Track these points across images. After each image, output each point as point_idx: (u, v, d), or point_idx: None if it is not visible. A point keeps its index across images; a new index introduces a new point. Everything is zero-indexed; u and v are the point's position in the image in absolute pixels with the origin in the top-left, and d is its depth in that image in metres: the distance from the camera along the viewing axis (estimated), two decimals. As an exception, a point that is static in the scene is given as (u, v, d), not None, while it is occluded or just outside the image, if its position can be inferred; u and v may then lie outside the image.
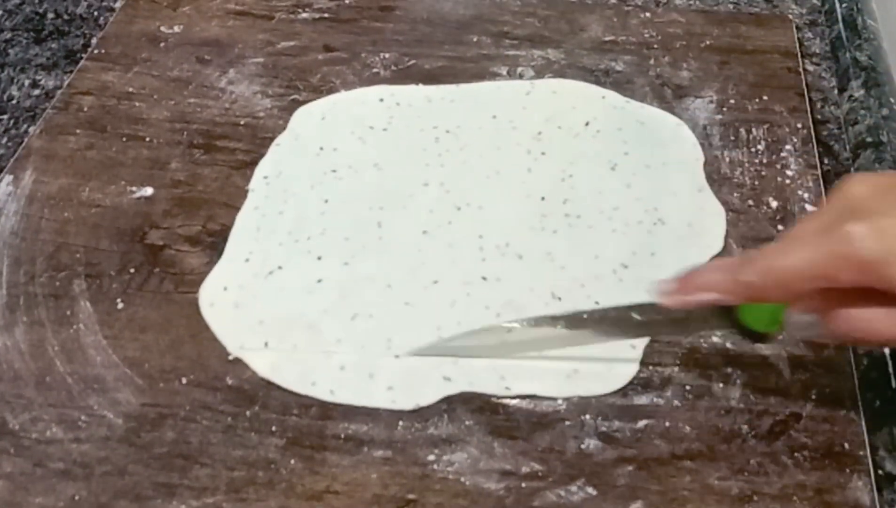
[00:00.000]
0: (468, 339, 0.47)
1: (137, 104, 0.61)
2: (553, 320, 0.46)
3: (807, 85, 0.61)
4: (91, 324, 0.49)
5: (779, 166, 0.56)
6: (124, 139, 0.58)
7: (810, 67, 0.64)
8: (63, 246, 0.52)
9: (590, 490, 0.42)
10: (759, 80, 0.61)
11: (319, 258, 0.51)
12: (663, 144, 0.57)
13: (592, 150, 0.57)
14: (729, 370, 0.46)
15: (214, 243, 0.52)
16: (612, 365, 0.46)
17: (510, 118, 0.59)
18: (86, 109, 0.60)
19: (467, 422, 0.44)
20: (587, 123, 0.58)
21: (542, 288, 0.49)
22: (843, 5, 0.67)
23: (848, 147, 0.58)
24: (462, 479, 0.42)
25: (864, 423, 0.44)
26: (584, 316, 0.45)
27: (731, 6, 0.69)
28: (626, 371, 0.46)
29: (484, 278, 0.50)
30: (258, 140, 0.58)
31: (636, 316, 0.44)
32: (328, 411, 0.45)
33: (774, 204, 0.54)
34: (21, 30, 0.68)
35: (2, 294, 0.50)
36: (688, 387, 0.45)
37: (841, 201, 0.37)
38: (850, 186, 0.37)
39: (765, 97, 0.60)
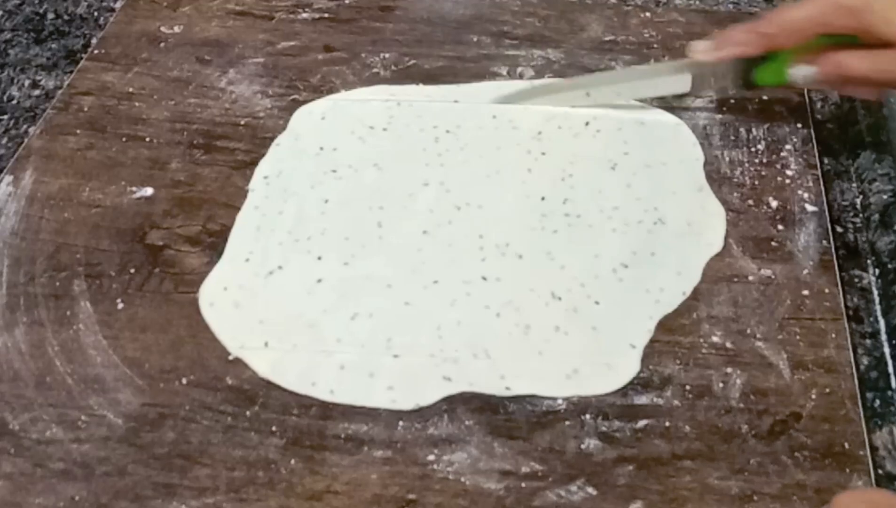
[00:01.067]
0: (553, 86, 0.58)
1: (137, 104, 0.61)
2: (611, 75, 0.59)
3: (807, 85, 0.61)
4: (91, 324, 0.49)
5: (779, 166, 0.56)
6: (124, 139, 0.58)
7: (810, 67, 0.64)
8: (63, 246, 0.52)
9: (590, 489, 0.42)
10: (759, 80, 0.61)
11: (319, 258, 0.51)
12: (663, 144, 0.57)
13: (592, 150, 0.57)
14: (729, 370, 0.46)
15: (214, 243, 0.52)
16: (612, 365, 0.46)
17: (510, 118, 0.59)
18: (86, 109, 0.60)
19: (467, 422, 0.44)
20: (587, 123, 0.58)
21: (542, 288, 0.49)
22: (843, 5, 0.67)
23: (848, 147, 0.58)
24: (462, 479, 0.42)
25: (864, 423, 0.44)
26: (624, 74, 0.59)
27: (731, 6, 0.69)
28: (626, 371, 0.46)
29: (484, 278, 0.50)
30: (258, 140, 0.58)
31: (670, 74, 0.56)
32: (328, 411, 0.45)
33: (774, 204, 0.54)
34: (21, 30, 0.68)
35: (2, 294, 0.50)
36: (688, 387, 0.45)
37: None
38: None
39: (765, 97, 0.60)
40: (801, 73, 0.52)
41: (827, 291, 0.49)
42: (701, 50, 0.54)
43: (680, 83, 0.57)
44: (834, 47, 0.51)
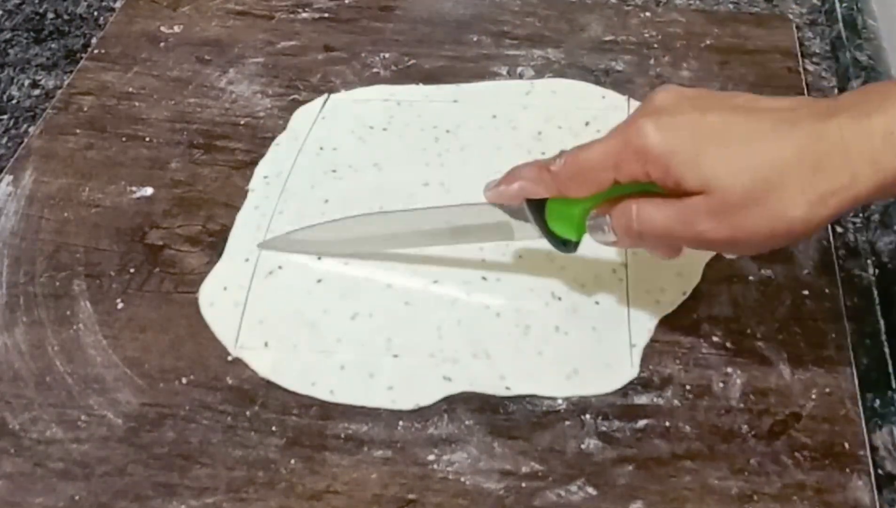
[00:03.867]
0: (317, 232, 0.50)
1: (137, 104, 0.61)
2: (403, 215, 0.49)
3: (807, 85, 0.61)
4: (91, 324, 0.49)
5: (779, 166, 0.56)
6: (124, 139, 0.58)
7: (810, 67, 0.64)
8: (63, 246, 0.52)
9: (590, 489, 0.42)
10: (760, 79, 0.61)
11: (319, 258, 0.51)
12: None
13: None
14: (729, 370, 0.46)
15: (214, 243, 0.52)
16: (612, 365, 0.46)
17: (510, 118, 0.59)
18: (86, 109, 0.60)
19: (467, 422, 0.44)
20: (587, 123, 0.58)
21: (542, 288, 0.49)
22: (843, 5, 0.67)
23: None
24: (462, 479, 0.42)
25: (864, 423, 0.44)
26: (424, 215, 0.48)
27: (731, 6, 0.69)
28: (626, 371, 0.46)
29: (484, 278, 0.50)
30: (258, 140, 0.58)
31: (468, 221, 0.47)
32: (328, 411, 0.45)
33: (774, 204, 0.53)
34: (21, 30, 0.68)
35: (2, 294, 0.50)
36: (688, 387, 0.45)
37: (644, 106, 0.41)
38: (657, 93, 0.41)
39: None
40: (596, 228, 0.43)
41: (827, 291, 0.49)
42: (490, 188, 0.45)
43: (499, 231, 0.47)
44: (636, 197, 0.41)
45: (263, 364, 0.47)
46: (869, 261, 0.52)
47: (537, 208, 0.45)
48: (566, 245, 0.46)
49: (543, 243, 0.52)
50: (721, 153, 0.37)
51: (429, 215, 0.48)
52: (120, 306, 0.49)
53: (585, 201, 0.43)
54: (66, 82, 0.63)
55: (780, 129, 0.37)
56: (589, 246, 0.51)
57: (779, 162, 0.37)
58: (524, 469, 0.43)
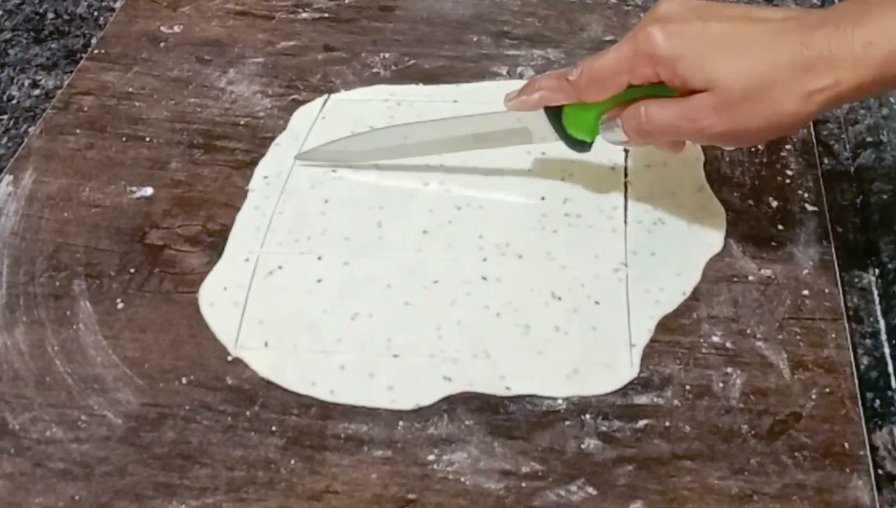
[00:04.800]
0: (357, 142, 0.55)
1: (137, 104, 0.61)
2: (434, 125, 0.54)
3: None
4: (91, 324, 0.49)
5: (779, 166, 0.56)
6: (124, 139, 0.58)
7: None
8: (63, 246, 0.52)
9: (590, 489, 0.42)
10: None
11: (319, 258, 0.51)
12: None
13: (592, 149, 0.57)
14: (729, 370, 0.46)
15: (214, 243, 0.52)
16: (612, 365, 0.46)
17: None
18: (86, 109, 0.60)
19: (467, 422, 0.44)
20: (587, 123, 0.58)
21: (542, 288, 0.49)
22: (843, 5, 0.67)
23: (848, 147, 0.58)
24: (462, 479, 0.42)
25: (864, 423, 0.44)
26: (449, 124, 0.53)
27: (731, 6, 0.69)
28: (626, 371, 0.46)
29: (484, 278, 0.50)
30: (258, 140, 0.58)
31: (490, 128, 0.52)
32: (328, 411, 0.45)
33: (774, 204, 0.54)
34: (21, 30, 0.68)
35: (2, 294, 0.50)
36: (688, 387, 0.45)
37: (650, 14, 0.46)
38: (661, 3, 0.46)
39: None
40: (609, 129, 0.48)
41: (827, 291, 0.49)
42: (510, 98, 0.51)
43: (519, 135, 0.52)
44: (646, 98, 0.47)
45: (263, 364, 0.47)
46: (869, 261, 0.52)
47: (554, 114, 0.50)
48: (581, 145, 0.51)
49: (543, 243, 0.52)
50: (724, 57, 0.43)
51: (454, 124, 0.53)
52: (120, 306, 0.49)
53: (599, 105, 0.48)
54: (66, 82, 0.63)
55: (775, 37, 0.43)
56: (589, 246, 0.51)
57: (774, 65, 0.42)
58: (524, 469, 0.43)
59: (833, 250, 0.51)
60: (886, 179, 0.55)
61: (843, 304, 0.49)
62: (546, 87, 0.49)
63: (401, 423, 0.44)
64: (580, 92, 0.48)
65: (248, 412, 0.45)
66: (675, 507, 0.41)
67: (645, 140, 0.48)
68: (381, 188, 0.55)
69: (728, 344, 0.47)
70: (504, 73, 0.62)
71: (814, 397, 0.45)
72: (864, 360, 0.47)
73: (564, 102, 0.49)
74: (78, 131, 0.59)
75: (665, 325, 0.48)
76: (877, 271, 0.51)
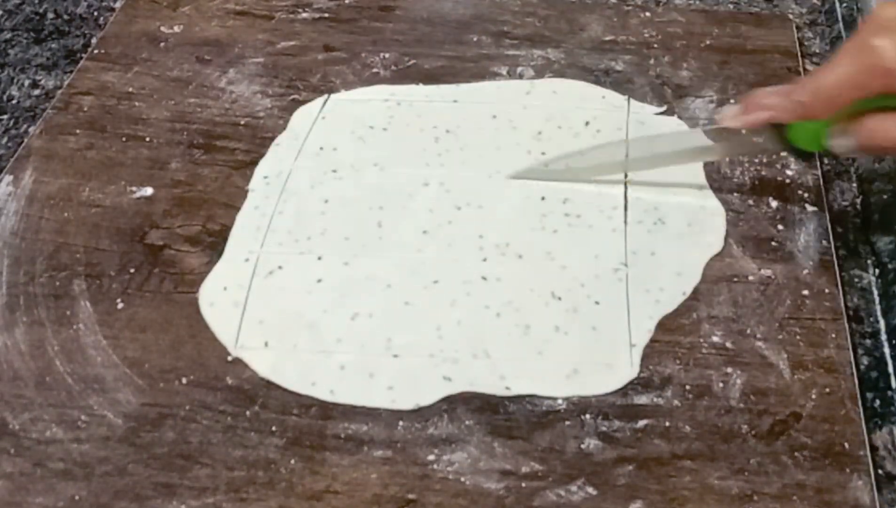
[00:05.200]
0: (577, 160, 0.54)
1: (137, 104, 0.61)
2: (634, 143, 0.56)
3: (807, 85, 0.61)
4: (91, 324, 0.49)
5: (779, 166, 0.56)
6: (124, 139, 0.58)
7: (810, 67, 0.64)
8: (63, 246, 0.52)
9: (590, 489, 0.42)
10: (760, 79, 0.61)
11: (319, 258, 0.51)
12: (663, 144, 0.57)
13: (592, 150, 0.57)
14: (729, 370, 0.46)
15: (214, 243, 0.52)
16: (612, 365, 0.46)
17: (510, 118, 0.59)
18: (86, 109, 0.60)
19: (467, 422, 0.44)
20: (587, 123, 0.58)
21: (542, 288, 0.49)
22: (843, 5, 0.67)
23: (848, 147, 0.58)
24: (462, 479, 0.42)
25: (864, 423, 0.44)
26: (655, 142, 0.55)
27: (731, 6, 0.69)
28: (626, 371, 0.46)
29: (484, 278, 0.50)
30: (258, 140, 0.58)
31: (705, 142, 0.52)
32: (328, 411, 0.45)
33: (774, 204, 0.54)
34: (21, 30, 0.68)
35: (2, 294, 0.50)
36: (688, 387, 0.45)
37: (871, 24, 0.43)
38: (881, 11, 0.43)
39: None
40: (839, 143, 0.47)
41: (827, 291, 0.49)
42: (730, 116, 0.50)
43: (712, 151, 0.54)
44: (876, 111, 0.45)
45: (263, 364, 0.47)
46: (869, 261, 0.52)
47: (776, 127, 0.49)
48: (806, 154, 0.50)
49: (543, 243, 0.52)
50: None
51: (677, 138, 0.55)
52: (120, 306, 0.49)
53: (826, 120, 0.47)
54: (66, 82, 0.63)
55: None
56: (589, 246, 0.51)
57: None
58: (524, 469, 0.43)
59: (833, 250, 0.51)
60: (886, 179, 0.55)
61: (843, 304, 0.49)
62: (770, 106, 0.48)
63: (401, 423, 0.44)
64: (807, 111, 0.46)
65: (248, 412, 0.45)
66: (675, 507, 0.41)
67: (875, 153, 0.49)
68: (381, 188, 0.55)
69: (728, 344, 0.47)
70: (504, 73, 0.62)
71: (814, 397, 0.45)
72: (864, 360, 0.47)
73: (791, 120, 0.48)
74: (78, 131, 0.59)
75: (665, 325, 0.48)
76: (877, 271, 0.51)
